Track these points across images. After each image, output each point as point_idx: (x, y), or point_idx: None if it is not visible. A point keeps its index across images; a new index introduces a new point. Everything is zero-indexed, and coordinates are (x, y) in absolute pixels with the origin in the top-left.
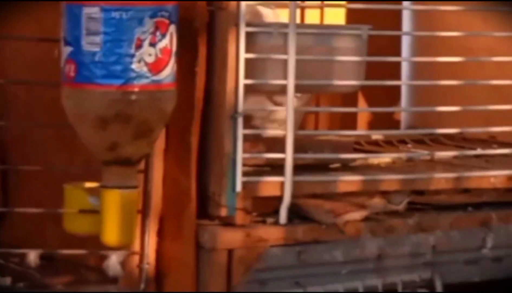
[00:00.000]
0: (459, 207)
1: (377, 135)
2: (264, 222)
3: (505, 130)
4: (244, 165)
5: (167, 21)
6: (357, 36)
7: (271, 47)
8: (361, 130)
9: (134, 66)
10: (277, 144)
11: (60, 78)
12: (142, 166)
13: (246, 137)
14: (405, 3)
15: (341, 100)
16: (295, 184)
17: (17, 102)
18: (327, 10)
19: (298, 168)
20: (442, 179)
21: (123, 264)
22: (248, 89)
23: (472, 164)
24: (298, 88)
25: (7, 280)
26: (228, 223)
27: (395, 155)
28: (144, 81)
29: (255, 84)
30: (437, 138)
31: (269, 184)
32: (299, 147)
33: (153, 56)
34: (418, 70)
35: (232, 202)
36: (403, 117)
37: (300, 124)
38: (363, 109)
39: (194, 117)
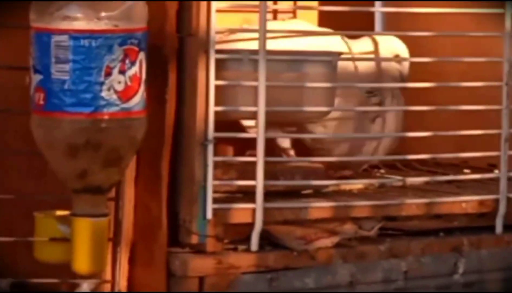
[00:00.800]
0: (431, 232)
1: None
2: (235, 249)
3: (476, 156)
4: (215, 191)
5: (136, 48)
6: (327, 62)
7: (242, 74)
8: (333, 157)
9: (103, 94)
10: (248, 171)
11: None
12: (112, 193)
13: (217, 164)
14: (376, 4)
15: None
16: (266, 211)
17: None
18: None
19: (270, 195)
20: (413, 204)
21: (95, 292)
22: (218, 116)
23: (443, 189)
24: (269, 115)
25: None
26: (199, 250)
27: (367, 181)
28: (114, 109)
29: (226, 111)
30: (410, 163)
31: (240, 211)
32: (270, 173)
33: (123, 84)
34: None
35: (203, 229)
36: None
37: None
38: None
39: (165, 144)
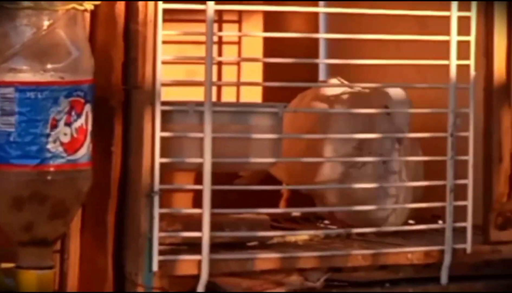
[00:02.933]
0: (377, 283)
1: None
2: None
3: (421, 207)
4: (160, 243)
5: (82, 100)
6: (273, 114)
7: (187, 126)
8: (278, 208)
9: (49, 146)
10: (194, 222)
11: None
12: (58, 246)
13: (162, 216)
14: (320, 4)
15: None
16: (212, 262)
17: None
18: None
19: (215, 246)
20: (359, 255)
21: None
22: (164, 167)
23: (389, 240)
24: (215, 166)
25: None
26: None
27: (312, 232)
28: (59, 161)
29: (172, 162)
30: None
31: (186, 263)
32: (216, 225)
33: (69, 136)
34: None
35: (149, 281)
36: None
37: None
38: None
39: (111, 196)
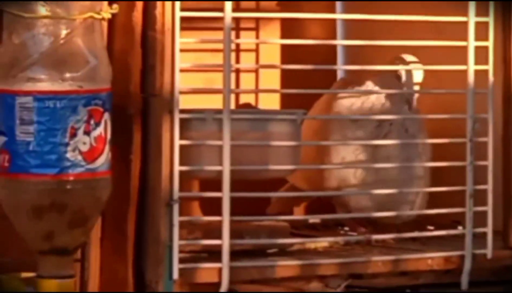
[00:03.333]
0: (397, 289)
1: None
2: None
3: (441, 212)
4: (180, 251)
5: (101, 109)
6: (292, 121)
7: (206, 133)
8: (298, 215)
9: (68, 155)
10: (214, 230)
11: None
12: (78, 254)
13: (182, 224)
14: (338, 9)
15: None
16: (233, 270)
17: None
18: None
19: (235, 254)
20: (379, 261)
21: None
22: (184, 175)
23: (409, 246)
24: (234, 174)
25: None
26: None
27: (332, 239)
28: (79, 170)
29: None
30: (375, 220)
31: (206, 271)
32: (235, 232)
33: (88, 145)
34: None
35: (170, 289)
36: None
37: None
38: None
39: (130, 205)
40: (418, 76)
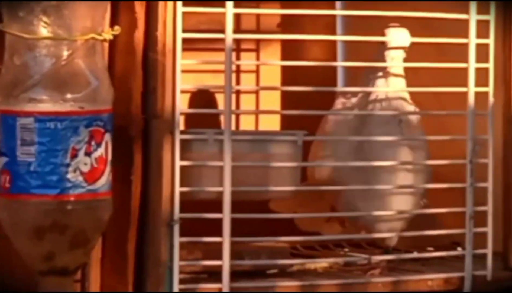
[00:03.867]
0: None
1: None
2: None
3: (441, 234)
4: (181, 272)
5: (102, 130)
6: (293, 142)
7: (207, 154)
8: (297, 236)
9: (69, 176)
10: (214, 251)
11: None
12: (78, 275)
13: (182, 245)
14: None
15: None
16: (233, 291)
17: None
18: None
19: (235, 274)
20: (379, 283)
21: None
22: (184, 196)
23: (408, 267)
24: (235, 195)
25: None
26: None
27: (332, 260)
28: (79, 190)
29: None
30: (374, 241)
31: (206, 291)
32: (236, 253)
33: (89, 166)
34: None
35: None
36: None
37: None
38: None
39: (131, 225)
40: (403, 40)
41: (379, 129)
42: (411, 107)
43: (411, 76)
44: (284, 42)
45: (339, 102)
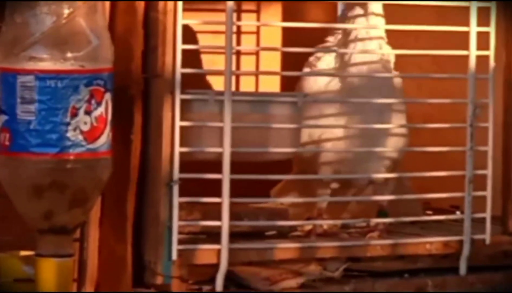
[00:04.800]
0: (395, 273)
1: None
2: (200, 289)
3: (441, 197)
4: (180, 232)
5: (102, 89)
6: (293, 103)
7: (207, 115)
8: (297, 198)
9: (69, 134)
10: (213, 211)
11: None
12: (77, 234)
13: (181, 205)
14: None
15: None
16: (231, 252)
17: None
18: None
19: (233, 236)
20: (378, 245)
21: None
22: (184, 156)
23: (407, 230)
24: (234, 156)
25: None
26: (164, 291)
27: (330, 222)
28: (79, 149)
29: (191, 151)
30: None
31: (205, 252)
32: (234, 214)
33: (89, 125)
34: None
35: (168, 270)
36: None
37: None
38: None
39: (130, 185)
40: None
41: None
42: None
43: (412, 41)
44: (284, 4)
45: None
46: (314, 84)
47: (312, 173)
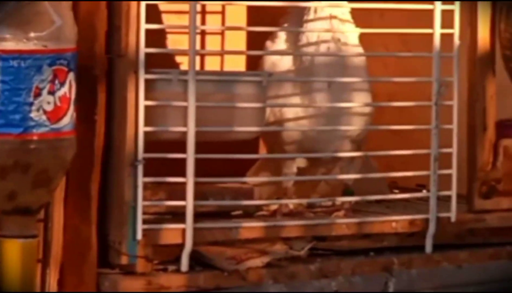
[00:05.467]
0: (361, 252)
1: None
2: (165, 269)
3: (406, 176)
4: (145, 213)
5: (65, 69)
6: (257, 82)
7: (171, 94)
8: (263, 177)
9: (32, 114)
10: (179, 192)
11: None
12: (41, 214)
13: (147, 186)
14: None
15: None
16: (196, 231)
17: None
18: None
19: (199, 216)
20: (343, 224)
21: None
22: (148, 136)
23: (373, 209)
24: (200, 135)
25: None
26: (129, 271)
27: (296, 201)
28: (43, 129)
29: (156, 131)
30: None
31: (170, 232)
32: (199, 194)
33: (52, 105)
34: None
35: (133, 250)
36: None
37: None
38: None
39: (94, 165)
40: None
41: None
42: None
43: (377, 19)
44: None
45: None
46: (275, 65)
47: (279, 152)
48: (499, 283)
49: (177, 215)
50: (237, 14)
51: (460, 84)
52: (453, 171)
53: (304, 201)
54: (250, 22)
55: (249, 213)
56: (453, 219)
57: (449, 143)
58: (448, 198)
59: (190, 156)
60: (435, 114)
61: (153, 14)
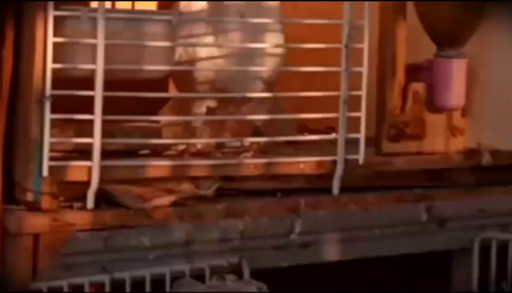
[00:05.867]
0: (268, 193)
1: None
2: (71, 207)
3: (316, 118)
4: (53, 150)
5: None
6: (168, 22)
7: (81, 32)
8: (170, 116)
9: None
10: (87, 130)
11: None
12: None
13: (54, 123)
14: None
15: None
16: (103, 169)
17: None
18: None
19: (107, 154)
20: (251, 165)
21: None
22: (57, 73)
23: (281, 150)
24: (108, 73)
25: None
26: (34, 207)
27: (204, 141)
28: None
29: (64, 68)
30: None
31: (76, 169)
32: (108, 133)
33: None
34: None
35: (39, 186)
36: None
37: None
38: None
39: (1, 102)
40: None
41: None
42: None
43: None
44: None
45: None
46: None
47: (189, 92)
48: (405, 226)
49: (85, 153)
50: None
51: (371, 28)
52: (362, 114)
53: (212, 141)
54: None
55: (157, 152)
56: (361, 161)
57: (359, 86)
58: (357, 140)
59: (98, 94)
60: (345, 57)
61: None
